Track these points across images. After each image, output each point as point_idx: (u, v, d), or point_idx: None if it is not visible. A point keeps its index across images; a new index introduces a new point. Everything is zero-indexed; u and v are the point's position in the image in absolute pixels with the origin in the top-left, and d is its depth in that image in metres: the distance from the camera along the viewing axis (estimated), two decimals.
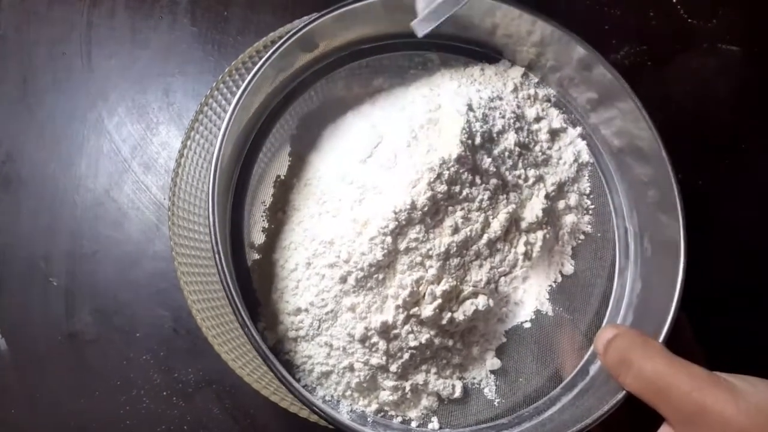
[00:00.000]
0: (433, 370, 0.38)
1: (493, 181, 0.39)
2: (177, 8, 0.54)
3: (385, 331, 0.36)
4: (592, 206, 0.43)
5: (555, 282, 0.42)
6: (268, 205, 0.41)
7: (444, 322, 0.37)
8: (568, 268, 0.42)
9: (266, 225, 0.41)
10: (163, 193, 0.50)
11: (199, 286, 0.40)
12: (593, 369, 0.39)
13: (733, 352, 0.46)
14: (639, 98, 0.39)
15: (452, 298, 0.38)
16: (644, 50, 0.54)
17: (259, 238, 0.41)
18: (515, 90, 0.43)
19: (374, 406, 0.38)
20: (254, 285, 0.39)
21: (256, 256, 0.40)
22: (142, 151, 0.51)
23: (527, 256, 0.40)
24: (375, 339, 0.36)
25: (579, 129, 0.44)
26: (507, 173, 0.40)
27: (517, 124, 0.41)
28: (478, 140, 0.38)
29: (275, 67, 0.39)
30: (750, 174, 0.53)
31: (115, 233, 0.49)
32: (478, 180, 0.38)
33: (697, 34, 0.55)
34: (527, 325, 0.41)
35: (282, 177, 0.42)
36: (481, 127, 0.39)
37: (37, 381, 0.47)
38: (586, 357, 0.40)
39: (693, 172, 0.52)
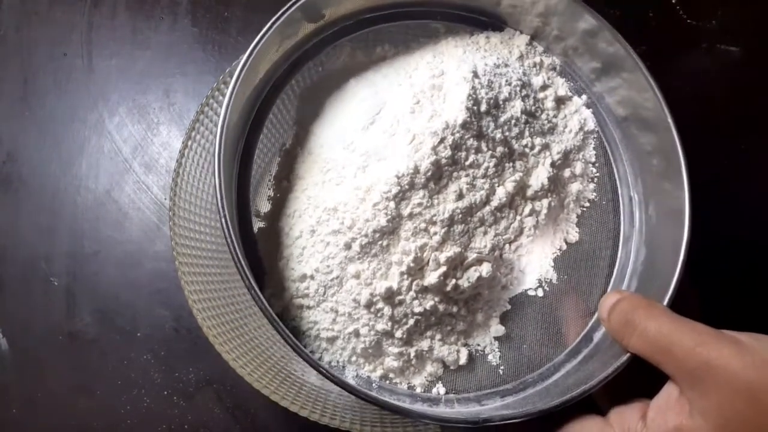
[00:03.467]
0: (438, 336, 0.38)
1: (500, 148, 0.38)
2: (178, 9, 0.54)
3: (390, 297, 0.36)
4: (597, 174, 0.43)
5: (560, 250, 0.41)
6: (273, 174, 0.41)
7: (448, 288, 0.37)
8: (573, 235, 0.42)
9: (272, 194, 0.41)
10: (164, 193, 0.50)
11: (200, 285, 0.40)
12: (597, 336, 0.39)
13: (737, 324, 0.46)
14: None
15: (456, 265, 0.38)
16: (644, 51, 0.54)
17: (264, 206, 0.40)
18: (521, 58, 0.43)
19: (379, 372, 0.38)
20: (260, 253, 0.39)
21: (262, 225, 0.40)
22: (143, 152, 0.51)
23: (533, 223, 0.40)
24: (380, 305, 0.36)
25: (584, 97, 0.44)
26: (513, 141, 0.39)
27: (524, 92, 0.41)
28: (483, 107, 0.38)
29: (280, 34, 0.39)
30: (750, 174, 0.53)
31: (116, 233, 0.49)
32: (483, 147, 0.38)
33: (697, 35, 0.55)
34: (531, 292, 0.40)
35: (287, 146, 0.42)
36: (487, 93, 0.38)
37: (38, 381, 0.47)
38: (590, 324, 0.40)
39: (692, 173, 0.52)
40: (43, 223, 0.49)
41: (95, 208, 0.50)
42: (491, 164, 0.38)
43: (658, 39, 0.55)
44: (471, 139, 0.37)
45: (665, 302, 0.35)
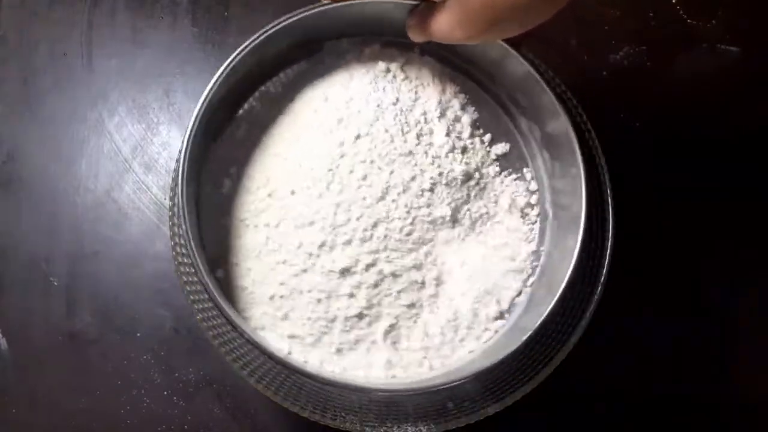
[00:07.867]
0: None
1: (408, 137, 0.42)
2: (177, 9, 0.54)
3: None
4: (469, 97, 0.46)
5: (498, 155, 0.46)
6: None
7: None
8: (502, 149, 0.46)
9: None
10: (164, 193, 0.50)
11: (200, 286, 0.40)
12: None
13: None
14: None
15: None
16: (644, 51, 0.54)
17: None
18: (363, 65, 0.44)
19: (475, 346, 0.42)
20: None
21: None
22: (142, 152, 0.51)
23: (475, 162, 0.44)
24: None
25: (427, 58, 0.46)
26: (405, 128, 0.42)
27: (382, 85, 0.43)
28: (356, 132, 0.41)
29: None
30: (750, 174, 0.53)
31: (115, 233, 0.49)
32: (400, 145, 0.41)
33: (697, 35, 0.55)
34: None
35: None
36: (353, 119, 0.41)
37: (38, 381, 0.47)
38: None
39: (692, 172, 0.53)
40: (43, 224, 0.49)
41: (95, 208, 0.50)
42: (418, 154, 0.42)
43: (658, 39, 0.55)
44: (374, 163, 0.41)
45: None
